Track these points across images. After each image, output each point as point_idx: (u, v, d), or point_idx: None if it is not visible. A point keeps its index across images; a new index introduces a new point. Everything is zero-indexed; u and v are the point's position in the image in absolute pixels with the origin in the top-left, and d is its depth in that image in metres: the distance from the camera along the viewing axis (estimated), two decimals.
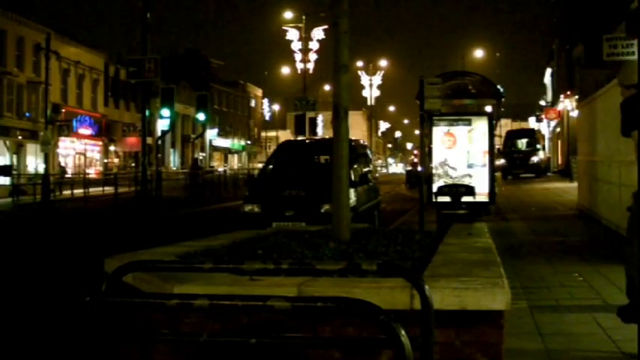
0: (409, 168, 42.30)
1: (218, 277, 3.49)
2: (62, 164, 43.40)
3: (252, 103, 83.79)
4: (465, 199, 12.94)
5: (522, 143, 37.86)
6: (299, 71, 38.20)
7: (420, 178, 15.48)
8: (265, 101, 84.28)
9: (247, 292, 3.32)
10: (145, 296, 3.08)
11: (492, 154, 14.96)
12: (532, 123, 63.20)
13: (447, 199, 13.12)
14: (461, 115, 15.32)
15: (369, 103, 58.84)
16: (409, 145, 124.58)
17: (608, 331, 5.42)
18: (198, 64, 62.59)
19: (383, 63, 58.39)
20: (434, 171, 14.38)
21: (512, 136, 39.73)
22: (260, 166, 33.91)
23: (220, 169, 53.55)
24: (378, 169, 64.69)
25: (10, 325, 6.91)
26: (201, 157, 65.32)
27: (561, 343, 5.23)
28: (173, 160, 61.89)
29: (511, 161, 36.31)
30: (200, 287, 3.39)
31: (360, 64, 55.45)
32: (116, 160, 54.24)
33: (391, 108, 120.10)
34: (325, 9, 33.22)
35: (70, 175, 40.43)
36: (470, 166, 14.35)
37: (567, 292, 7.14)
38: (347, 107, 5.25)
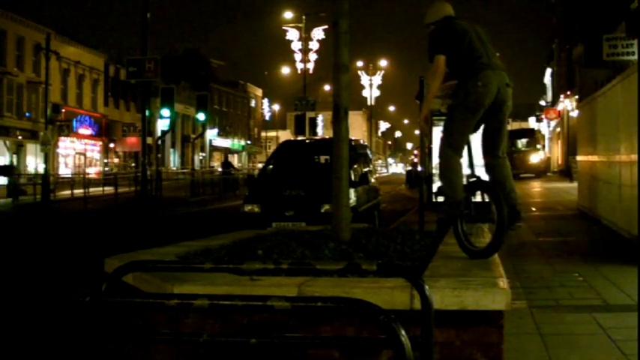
0: (409, 168, 42.28)
1: (218, 277, 3.50)
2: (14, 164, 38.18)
3: (252, 103, 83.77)
4: None
5: (522, 143, 37.83)
6: (299, 71, 38.19)
7: (420, 178, 15.46)
8: (265, 101, 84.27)
9: (247, 292, 3.32)
10: (145, 296, 3.08)
11: None
12: (532, 123, 63.20)
13: None
14: None
15: (369, 103, 58.80)
16: (409, 145, 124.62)
17: (608, 331, 5.42)
18: (198, 64, 62.59)
19: (383, 63, 58.34)
20: (434, 171, 14.37)
21: (512, 136, 39.68)
22: (260, 166, 33.92)
23: (220, 169, 53.56)
24: (378, 169, 64.67)
25: (10, 325, 6.91)
26: (201, 156, 65.34)
27: (561, 343, 5.23)
28: (173, 160, 61.87)
29: (511, 161, 36.22)
30: (200, 287, 3.39)
31: (360, 64, 55.43)
32: (116, 160, 54.23)
33: (391, 108, 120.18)
34: (325, 9, 33.25)
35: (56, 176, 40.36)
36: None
37: (567, 292, 7.13)
38: (347, 107, 5.25)
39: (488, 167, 4.88)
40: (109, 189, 31.32)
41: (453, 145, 4.77)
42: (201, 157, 65.74)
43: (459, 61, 4.78)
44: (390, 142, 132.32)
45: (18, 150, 41.98)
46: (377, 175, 21.06)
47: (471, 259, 4.46)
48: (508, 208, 4.53)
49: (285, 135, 69.59)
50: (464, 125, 4.71)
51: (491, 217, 4.59)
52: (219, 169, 39.71)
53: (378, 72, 55.94)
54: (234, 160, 76.03)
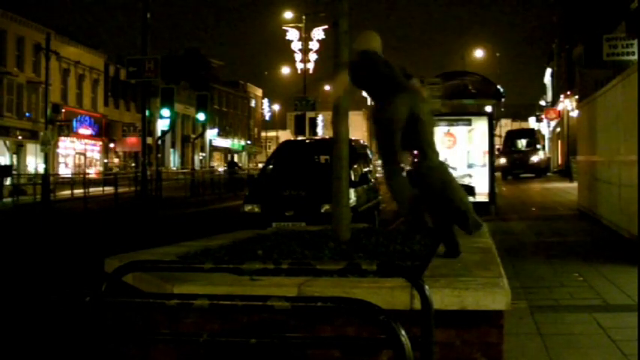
0: (409, 168, 42.22)
1: (218, 277, 3.49)
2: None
3: (252, 103, 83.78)
4: None
5: (522, 143, 37.83)
6: (299, 71, 38.17)
7: None
8: (265, 101, 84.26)
9: (247, 292, 3.32)
10: (145, 296, 3.09)
11: (492, 154, 14.95)
12: (532, 123, 63.24)
13: None
14: (461, 115, 15.31)
15: (369, 103, 58.78)
16: None
17: (608, 331, 5.42)
18: (198, 64, 62.56)
19: None
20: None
21: (512, 136, 39.69)
22: (260, 166, 33.92)
23: (220, 169, 53.59)
24: (378, 169, 64.58)
25: (10, 325, 6.91)
26: (201, 156, 65.34)
27: (561, 343, 5.23)
28: (173, 160, 61.87)
29: (511, 161, 36.31)
30: (200, 287, 3.39)
31: None
32: (116, 160, 54.23)
33: None
34: (325, 9, 33.21)
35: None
36: (470, 166, 14.36)
37: (567, 292, 7.13)
38: (347, 107, 5.25)
39: (422, 176, 5.02)
40: (109, 189, 31.28)
41: (389, 162, 4.99)
42: (201, 157, 65.73)
43: (376, 87, 5.09)
44: None
45: (18, 150, 41.98)
46: (377, 175, 21.05)
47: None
48: (460, 216, 4.74)
49: (285, 135, 69.56)
50: (390, 143, 4.95)
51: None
52: (220, 169, 39.67)
53: None
54: (234, 159, 76.08)
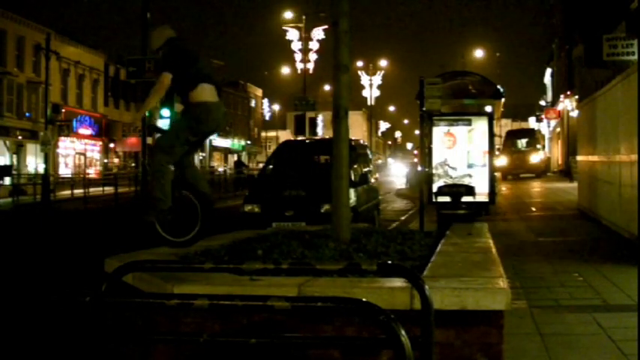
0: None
1: (218, 277, 3.49)
2: None
3: (252, 103, 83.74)
4: (465, 199, 12.92)
5: (522, 143, 37.83)
6: (299, 71, 38.13)
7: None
8: (265, 101, 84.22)
9: (247, 292, 3.32)
10: (145, 296, 3.09)
11: (492, 154, 14.95)
12: (532, 123, 63.22)
13: (447, 199, 13.10)
14: (461, 115, 15.30)
15: (369, 103, 58.74)
16: (409, 145, 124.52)
17: (608, 331, 5.42)
18: None
19: (383, 63, 58.28)
20: (434, 171, 14.38)
21: (512, 136, 39.69)
22: (261, 166, 33.92)
23: (220, 169, 53.57)
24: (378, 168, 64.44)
25: (10, 325, 6.91)
26: (201, 156, 65.32)
27: (561, 343, 5.23)
28: None
29: (511, 161, 36.30)
30: (200, 287, 3.39)
31: (360, 64, 55.37)
32: (116, 160, 54.22)
33: (391, 108, 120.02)
34: (325, 9, 33.24)
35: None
36: (470, 166, 14.35)
37: (567, 292, 7.14)
38: (347, 107, 5.25)
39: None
40: (109, 189, 31.30)
41: (169, 154, 5.29)
42: (201, 157, 65.70)
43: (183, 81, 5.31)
44: (389, 142, 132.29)
45: (18, 150, 41.97)
46: (377, 174, 21.06)
47: (171, 247, 4.98)
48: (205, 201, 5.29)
49: (285, 135, 69.54)
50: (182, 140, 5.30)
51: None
52: (220, 169, 39.65)
53: (378, 72, 55.89)
54: (235, 159, 76.03)
